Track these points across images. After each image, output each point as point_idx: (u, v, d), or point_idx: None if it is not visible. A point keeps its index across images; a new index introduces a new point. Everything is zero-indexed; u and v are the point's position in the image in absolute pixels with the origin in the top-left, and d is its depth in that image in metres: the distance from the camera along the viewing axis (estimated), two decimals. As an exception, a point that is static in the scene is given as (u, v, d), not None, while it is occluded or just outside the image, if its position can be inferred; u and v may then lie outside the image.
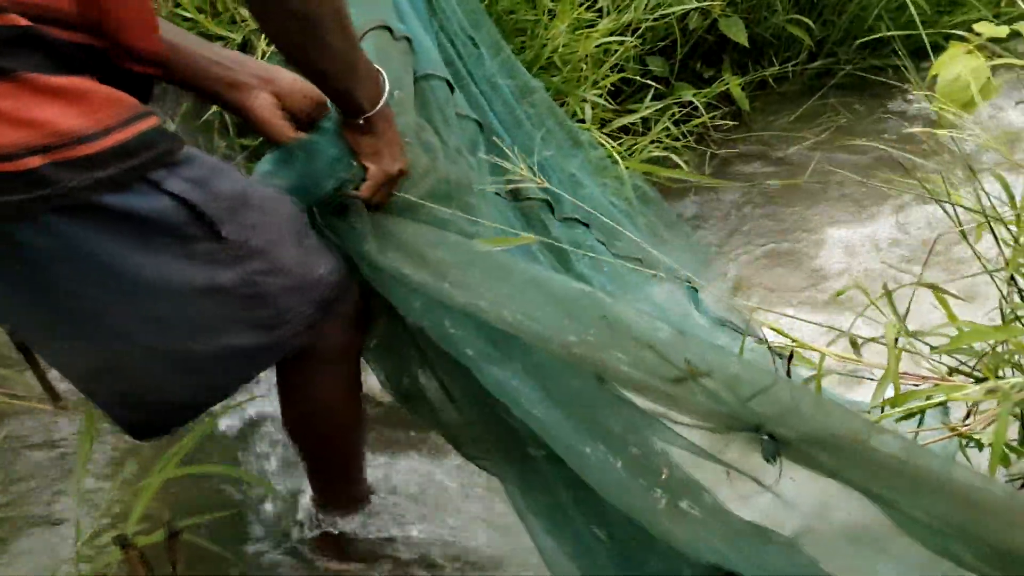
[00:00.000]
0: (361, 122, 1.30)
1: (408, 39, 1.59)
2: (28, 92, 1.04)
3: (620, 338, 1.11)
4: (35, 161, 1.04)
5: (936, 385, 1.28)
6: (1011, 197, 1.43)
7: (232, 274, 1.23)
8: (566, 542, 1.34)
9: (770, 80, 2.97)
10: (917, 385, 1.36)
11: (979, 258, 1.33)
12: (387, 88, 1.31)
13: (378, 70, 1.31)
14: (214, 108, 2.41)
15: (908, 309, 1.46)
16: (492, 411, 1.37)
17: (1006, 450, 1.24)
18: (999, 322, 1.45)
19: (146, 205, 1.13)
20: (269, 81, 1.34)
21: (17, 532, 1.63)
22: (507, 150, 1.86)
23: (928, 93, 1.45)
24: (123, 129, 1.10)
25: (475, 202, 1.47)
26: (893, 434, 0.98)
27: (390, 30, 1.55)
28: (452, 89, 1.67)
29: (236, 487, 1.74)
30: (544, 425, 1.23)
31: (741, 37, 2.79)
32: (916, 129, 1.46)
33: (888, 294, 1.27)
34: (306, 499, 1.67)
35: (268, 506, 1.71)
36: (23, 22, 1.03)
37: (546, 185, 1.55)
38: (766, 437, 1.00)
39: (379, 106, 1.29)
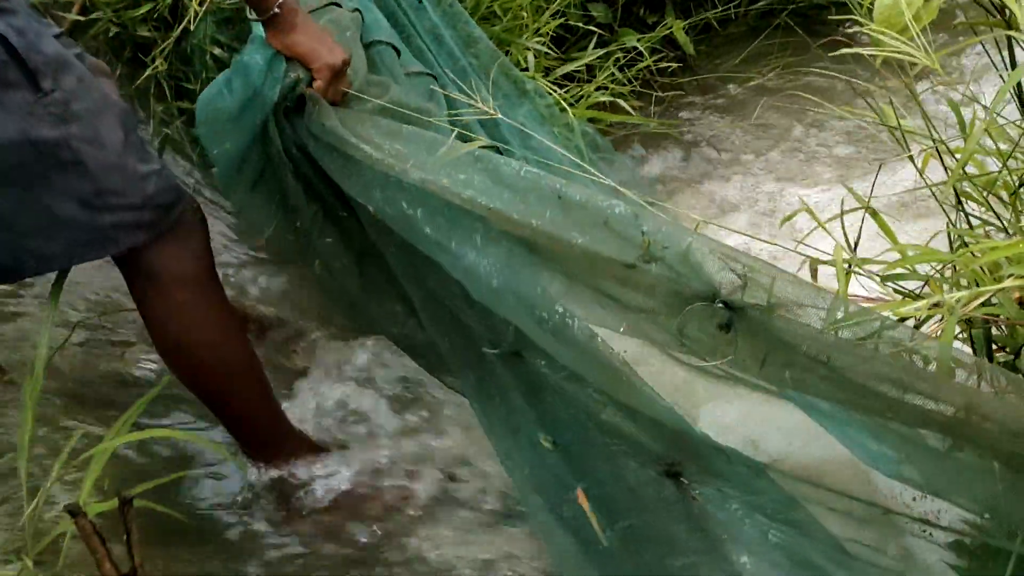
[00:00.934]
0: (277, 16, 1.37)
1: (359, 11, 1.63)
2: None
3: (576, 217, 1.11)
4: None
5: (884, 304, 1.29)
6: (961, 121, 1.44)
7: (51, 132, 1.24)
8: (519, 448, 1.36)
9: (714, 23, 2.95)
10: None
11: (920, 174, 1.33)
12: None
13: None
14: (149, 72, 2.36)
15: (859, 236, 1.46)
16: (449, 313, 1.41)
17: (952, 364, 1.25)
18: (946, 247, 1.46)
19: None
20: None
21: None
22: (453, 102, 1.85)
23: (866, 23, 1.43)
24: None
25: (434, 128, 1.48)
26: (844, 302, 0.98)
27: (338, 5, 1.57)
28: (399, 53, 1.70)
29: (184, 451, 1.72)
30: (501, 296, 1.23)
31: (683, -21, 2.77)
32: (849, 50, 1.46)
33: (840, 217, 1.27)
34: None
35: (218, 467, 1.69)
36: None
37: (499, 115, 1.54)
38: (721, 305, 1.00)
39: (281, 6, 1.36)
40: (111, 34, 2.41)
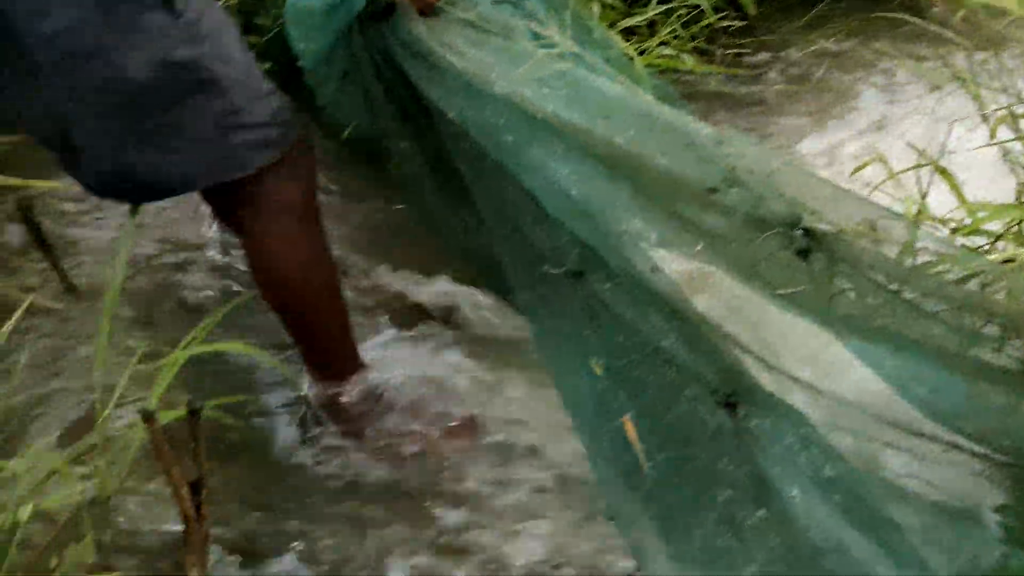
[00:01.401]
0: None
1: None
2: None
3: (659, 138, 1.12)
4: None
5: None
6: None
7: (187, 52, 1.28)
8: (572, 371, 1.37)
9: (779, -16, 2.93)
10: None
11: (992, 136, 1.33)
12: None
13: None
14: (220, 2, 2.39)
15: (927, 190, 1.47)
16: (517, 227, 1.42)
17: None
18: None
19: None
20: None
21: (37, 415, 1.66)
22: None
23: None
24: None
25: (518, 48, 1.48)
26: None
27: None
28: None
29: (252, 369, 1.77)
30: (575, 209, 1.25)
31: (749, -62, 2.75)
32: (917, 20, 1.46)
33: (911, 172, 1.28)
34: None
35: (283, 387, 1.75)
36: None
37: (577, 50, 1.54)
38: (801, 231, 1.01)
39: None
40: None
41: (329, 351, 1.67)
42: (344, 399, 1.67)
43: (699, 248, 1.11)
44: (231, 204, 1.50)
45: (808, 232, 1.01)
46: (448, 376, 1.82)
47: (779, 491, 1.15)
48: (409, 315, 1.95)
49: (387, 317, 1.95)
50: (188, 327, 1.63)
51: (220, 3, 1.41)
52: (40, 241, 1.87)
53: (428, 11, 1.43)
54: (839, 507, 1.12)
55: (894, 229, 0.99)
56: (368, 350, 1.78)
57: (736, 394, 1.17)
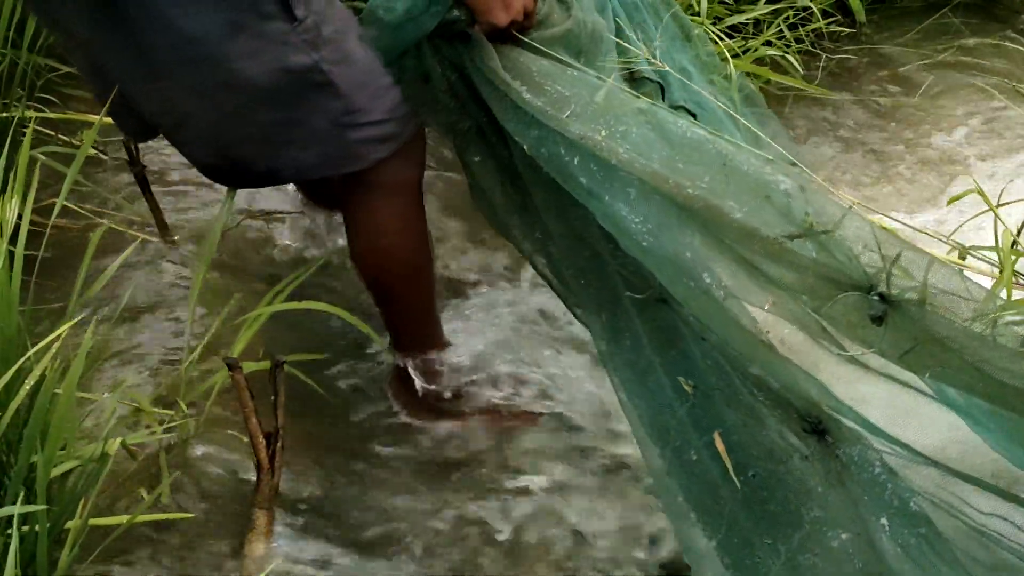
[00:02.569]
0: None
1: None
2: None
3: (737, 187, 1.11)
4: None
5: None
6: None
7: (304, 58, 1.31)
8: (646, 390, 1.37)
9: (891, -8, 2.87)
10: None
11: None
12: None
13: None
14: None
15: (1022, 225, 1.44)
16: (591, 253, 1.43)
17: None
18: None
19: None
20: None
21: (126, 354, 1.72)
22: (623, 33, 1.85)
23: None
24: None
25: (601, 64, 1.47)
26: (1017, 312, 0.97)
27: None
28: None
29: (335, 332, 1.81)
30: (649, 254, 1.25)
31: (866, -55, 2.69)
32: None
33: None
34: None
35: (367, 349, 1.79)
36: None
37: (665, 68, 1.54)
38: (876, 297, 1.00)
39: None
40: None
41: (416, 326, 1.71)
42: (425, 373, 1.70)
43: (770, 303, 1.10)
44: (341, 187, 1.53)
45: (883, 297, 0.99)
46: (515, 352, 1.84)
47: (867, 517, 1.16)
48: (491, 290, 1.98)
49: (470, 293, 1.98)
50: (276, 280, 1.68)
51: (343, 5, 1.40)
52: (142, 181, 1.93)
53: (507, 42, 1.41)
54: (923, 539, 1.12)
55: (973, 294, 0.97)
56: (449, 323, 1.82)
57: (824, 422, 1.17)
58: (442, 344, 1.73)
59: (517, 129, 1.39)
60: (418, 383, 1.69)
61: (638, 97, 1.34)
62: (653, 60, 1.55)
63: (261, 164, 1.43)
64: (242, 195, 2.12)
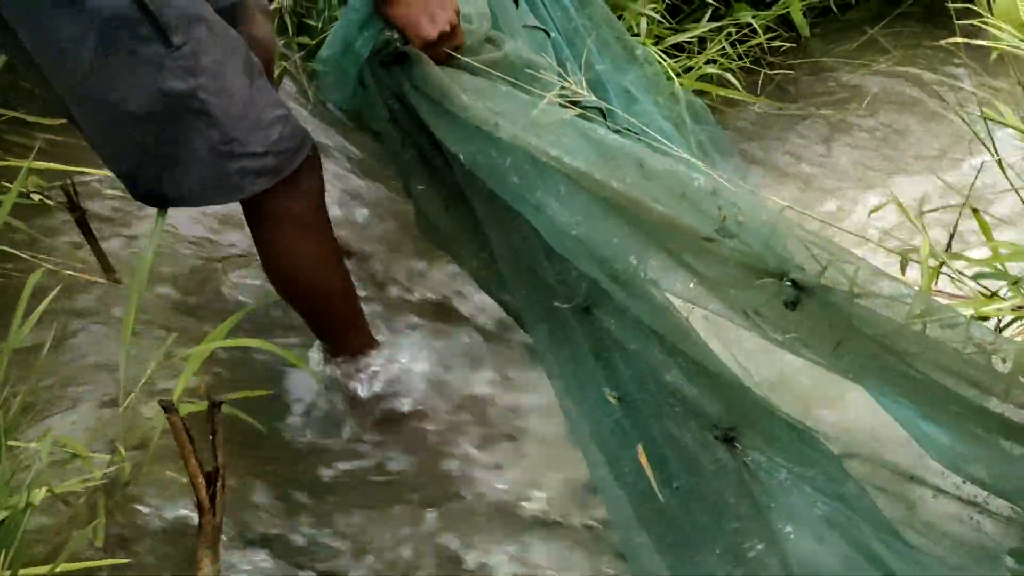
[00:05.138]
0: None
1: None
2: None
3: (656, 185, 1.15)
4: None
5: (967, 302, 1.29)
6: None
7: (180, 84, 1.31)
8: (585, 401, 1.40)
9: (833, 6, 2.90)
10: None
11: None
12: None
13: None
14: (275, 6, 2.44)
15: (953, 232, 1.46)
16: (527, 265, 1.47)
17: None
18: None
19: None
20: None
21: (64, 399, 1.71)
22: (565, 61, 1.88)
23: (985, 15, 1.42)
24: None
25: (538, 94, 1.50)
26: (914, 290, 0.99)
27: None
28: (517, 3, 1.74)
29: (271, 362, 1.81)
30: (578, 246, 1.28)
31: (806, -41, 2.72)
32: (958, 39, 1.44)
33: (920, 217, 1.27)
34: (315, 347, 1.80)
35: (301, 379, 1.82)
36: None
37: (599, 102, 1.57)
38: (789, 283, 1.03)
39: None
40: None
41: (339, 336, 1.77)
42: (353, 374, 1.77)
43: (692, 286, 1.13)
44: (243, 206, 1.56)
45: (795, 284, 1.02)
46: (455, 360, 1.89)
47: (774, 525, 1.17)
48: (425, 305, 2.03)
49: (405, 305, 2.02)
50: (222, 316, 1.68)
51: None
52: (82, 224, 1.93)
53: (441, 61, 1.45)
54: (832, 544, 1.13)
55: (883, 284, 0.99)
56: (381, 332, 1.87)
57: (735, 428, 1.18)
58: (367, 348, 1.78)
59: (454, 141, 1.43)
60: (349, 386, 1.75)
61: (565, 108, 1.37)
62: (584, 93, 1.57)
63: (150, 184, 1.43)
64: (192, 232, 2.14)
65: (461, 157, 1.39)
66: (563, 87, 1.57)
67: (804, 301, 1.02)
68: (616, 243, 1.21)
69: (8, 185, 2.03)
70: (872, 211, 1.39)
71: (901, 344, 0.98)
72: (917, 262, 1.33)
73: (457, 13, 1.43)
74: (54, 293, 1.58)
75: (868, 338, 0.99)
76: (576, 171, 1.20)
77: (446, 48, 1.44)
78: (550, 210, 1.28)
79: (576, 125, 1.26)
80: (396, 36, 1.48)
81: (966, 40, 1.55)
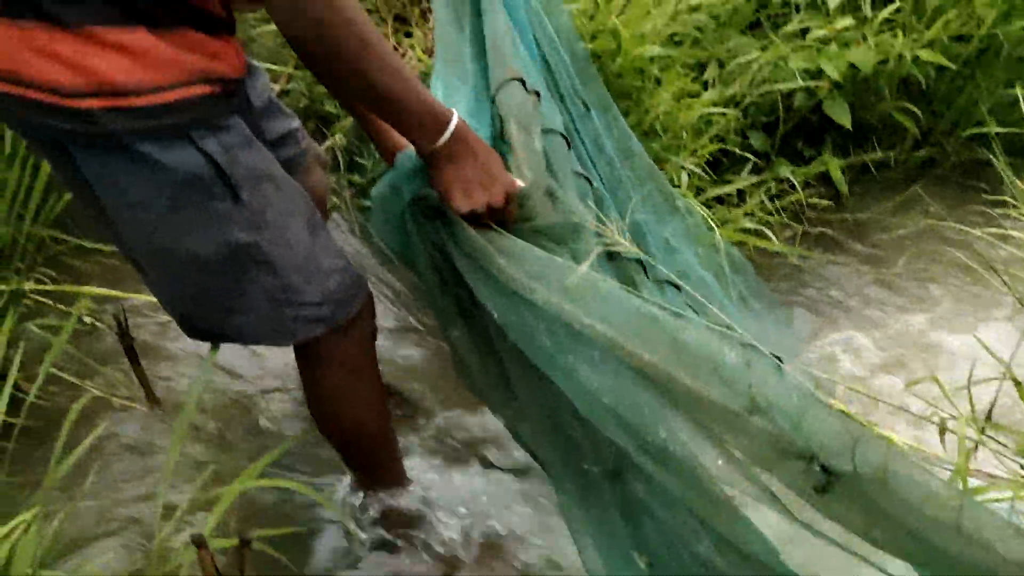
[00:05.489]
0: (432, 153, 1.38)
1: (538, 94, 1.67)
2: (93, 44, 1.17)
3: (688, 359, 1.16)
4: (91, 103, 1.19)
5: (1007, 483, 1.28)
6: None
7: (246, 236, 1.36)
8: (610, 560, 1.38)
9: (871, 164, 2.96)
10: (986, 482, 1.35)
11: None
12: (452, 127, 1.36)
13: (443, 111, 1.36)
14: (327, 144, 2.55)
15: (993, 403, 1.45)
16: (557, 424, 1.46)
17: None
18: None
19: (179, 157, 1.27)
20: None
21: (100, 526, 1.72)
22: (608, 209, 1.92)
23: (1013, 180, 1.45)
24: (175, 90, 1.23)
25: (581, 248, 1.52)
26: (954, 486, 0.98)
27: (523, 82, 1.63)
28: (569, 146, 1.73)
29: (306, 503, 1.82)
30: (608, 414, 1.28)
31: (845, 120, 2.79)
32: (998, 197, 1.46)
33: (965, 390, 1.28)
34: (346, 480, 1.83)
35: (332, 514, 1.83)
36: None
37: (640, 254, 1.60)
38: (819, 468, 1.02)
39: (438, 144, 1.36)
40: (302, 105, 2.62)
41: (373, 471, 1.79)
42: (383, 510, 1.78)
43: (720, 463, 1.13)
44: (295, 348, 1.60)
45: (825, 469, 1.02)
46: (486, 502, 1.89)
47: None
48: (460, 445, 2.03)
49: (440, 444, 2.03)
50: (259, 448, 1.70)
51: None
52: (130, 352, 1.97)
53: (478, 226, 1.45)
54: None
55: (918, 474, 0.99)
56: (414, 469, 1.89)
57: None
58: (399, 485, 1.80)
59: (487, 296, 1.44)
60: (378, 522, 1.77)
61: (603, 280, 1.40)
62: (627, 245, 1.60)
63: (207, 324, 1.48)
64: (236, 365, 2.18)
65: (494, 314, 1.41)
66: (603, 236, 1.60)
67: (834, 486, 1.02)
68: (647, 413, 1.22)
69: (63, 308, 2.11)
70: (909, 385, 1.39)
71: (937, 534, 0.97)
72: (955, 432, 1.33)
73: (508, 196, 1.41)
74: (99, 430, 1.61)
75: (901, 525, 0.99)
76: (609, 340, 1.22)
77: (488, 220, 1.43)
78: (581, 375, 1.29)
79: (610, 293, 1.28)
80: (436, 194, 1.48)
81: (1004, 198, 1.57)
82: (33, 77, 1.19)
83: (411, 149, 1.48)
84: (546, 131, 1.70)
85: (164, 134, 1.24)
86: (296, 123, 1.73)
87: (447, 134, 1.36)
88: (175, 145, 1.26)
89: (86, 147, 1.25)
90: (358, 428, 1.68)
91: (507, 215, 1.44)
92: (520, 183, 1.46)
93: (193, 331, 1.51)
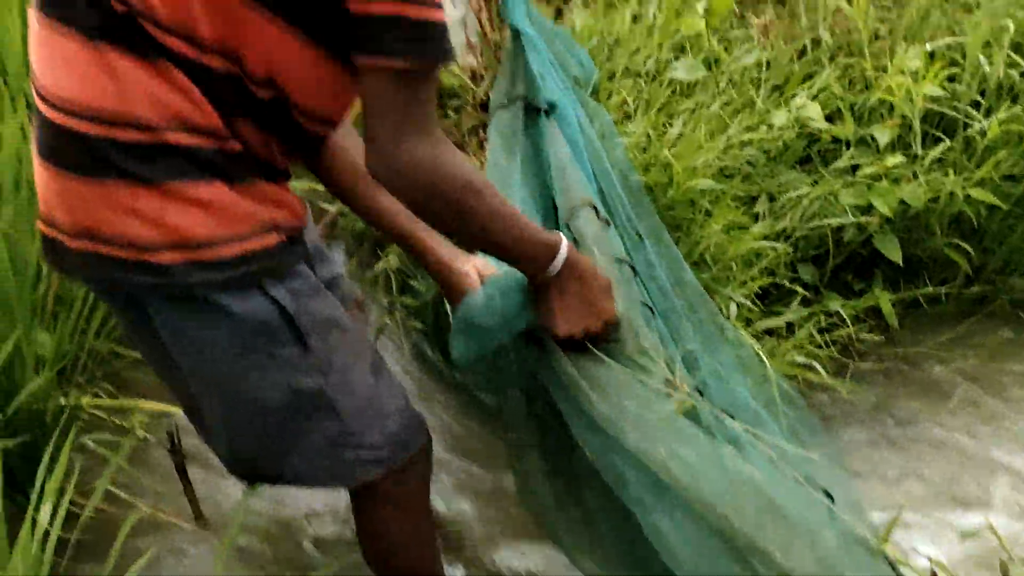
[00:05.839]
0: (543, 283, 1.43)
1: (608, 222, 1.71)
2: (174, 199, 1.22)
3: (780, 528, 1.13)
4: (169, 256, 1.22)
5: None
6: None
7: (311, 382, 1.38)
8: None
9: (922, 300, 2.95)
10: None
11: None
12: (563, 255, 1.41)
13: (552, 240, 1.41)
14: (380, 266, 2.60)
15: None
16: (638, 561, 1.43)
17: None
18: None
19: (250, 306, 1.30)
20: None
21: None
22: (663, 338, 1.92)
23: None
24: (250, 240, 1.27)
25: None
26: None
27: (596, 210, 1.66)
28: (636, 273, 1.78)
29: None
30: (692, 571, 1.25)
31: (896, 255, 2.79)
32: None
33: None
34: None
35: None
36: (162, 138, 1.19)
37: (687, 390, 1.59)
38: None
39: (549, 273, 1.41)
40: (356, 229, 2.69)
41: None
42: None
43: None
44: (350, 490, 1.62)
45: None
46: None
47: None
48: None
49: None
50: (304, 572, 1.68)
51: (364, 314, 1.51)
52: (180, 469, 1.99)
53: (576, 349, 1.49)
54: None
55: None
56: None
57: None
58: None
59: (582, 432, 1.43)
60: None
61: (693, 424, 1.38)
62: (688, 390, 1.58)
63: (264, 467, 1.49)
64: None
65: (587, 451, 1.40)
66: (669, 382, 1.59)
67: None
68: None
69: (116, 422, 2.15)
70: (965, 536, 1.35)
71: None
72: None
73: (608, 323, 1.47)
74: (146, 557, 1.61)
75: None
76: (698, 500, 1.20)
77: (585, 341, 1.48)
78: (664, 531, 1.26)
79: (702, 440, 1.26)
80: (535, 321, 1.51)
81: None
82: (112, 234, 1.22)
83: (501, 278, 1.51)
84: (616, 260, 1.73)
85: (237, 284, 1.27)
86: (340, 269, 1.75)
87: (558, 262, 1.41)
88: (247, 294, 1.29)
89: (161, 299, 1.28)
90: (408, 567, 1.67)
91: (600, 340, 1.48)
92: (618, 310, 1.50)
93: (248, 475, 1.52)
